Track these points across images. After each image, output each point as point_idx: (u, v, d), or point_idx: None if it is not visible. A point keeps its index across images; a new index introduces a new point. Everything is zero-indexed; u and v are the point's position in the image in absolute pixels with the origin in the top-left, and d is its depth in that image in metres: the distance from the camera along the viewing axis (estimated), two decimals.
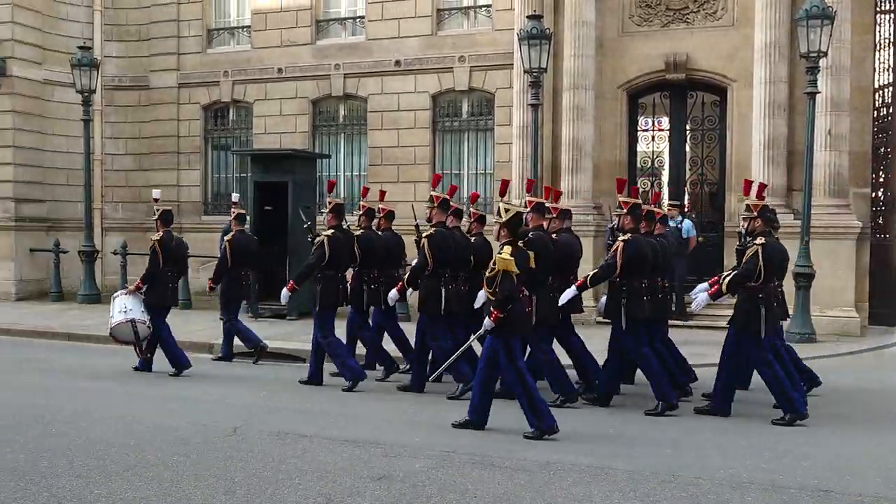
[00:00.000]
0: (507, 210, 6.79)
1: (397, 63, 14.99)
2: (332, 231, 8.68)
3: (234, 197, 11.17)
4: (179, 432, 6.51)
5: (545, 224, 8.13)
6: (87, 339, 11.47)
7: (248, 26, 16.31)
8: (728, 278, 7.51)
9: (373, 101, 15.27)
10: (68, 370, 9.54)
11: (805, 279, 11.42)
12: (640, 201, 8.09)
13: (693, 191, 14.27)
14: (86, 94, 14.86)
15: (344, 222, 8.94)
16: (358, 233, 9.13)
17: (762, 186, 7.98)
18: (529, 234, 7.52)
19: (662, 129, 14.25)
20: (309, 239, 9.12)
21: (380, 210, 9.33)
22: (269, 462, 5.73)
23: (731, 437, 6.73)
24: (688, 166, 14.14)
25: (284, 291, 8.67)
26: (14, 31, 15.86)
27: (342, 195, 15.10)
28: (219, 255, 10.77)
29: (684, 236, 12.39)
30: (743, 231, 8.00)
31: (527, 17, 12.61)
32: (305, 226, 9.84)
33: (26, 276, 15.80)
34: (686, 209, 13.69)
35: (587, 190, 13.35)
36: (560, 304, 7.86)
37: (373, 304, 9.18)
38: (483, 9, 14.90)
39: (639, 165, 14.27)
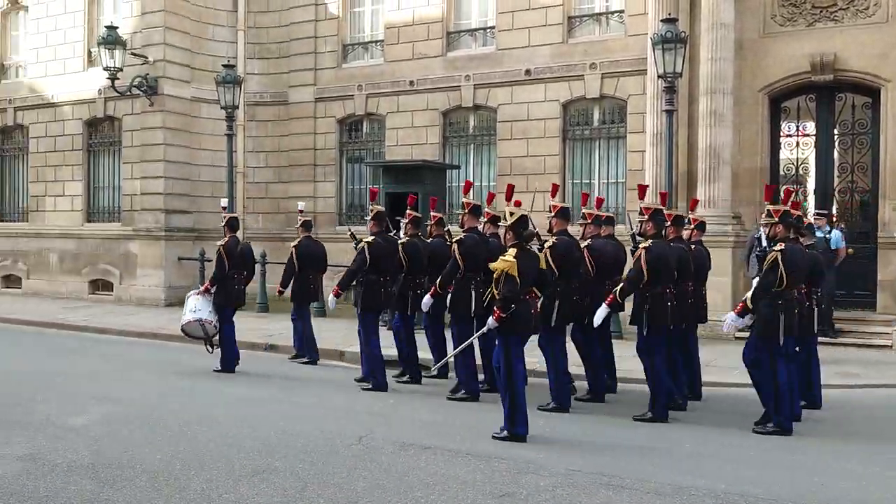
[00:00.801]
0: (511, 214, 7.00)
1: (527, 72, 14.87)
2: (373, 238, 9.05)
3: (301, 205, 11.72)
4: (306, 439, 6.61)
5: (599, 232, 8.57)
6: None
7: (382, 40, 16.63)
8: (750, 293, 7.38)
9: (502, 111, 15.21)
10: (205, 373, 9.95)
11: None
12: (662, 207, 8.13)
13: (842, 199, 13.39)
14: (229, 109, 15.56)
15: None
16: (404, 240, 9.40)
17: (788, 192, 7.88)
18: (553, 239, 7.97)
19: (808, 135, 13.42)
20: (353, 246, 9.50)
21: (431, 217, 9.54)
22: (393, 473, 5.72)
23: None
24: (836, 173, 13.28)
25: (331, 297, 9.15)
26: (166, 52, 16.85)
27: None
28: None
29: (833, 247, 11.60)
30: (764, 236, 7.85)
31: (661, 20, 12.21)
32: (349, 233, 10.39)
33: (174, 283, 16.67)
34: (834, 219, 12.85)
35: (725, 199, 12.76)
36: (594, 325, 8.07)
37: (417, 311, 9.38)
38: (615, 14, 14.56)
39: (782, 173, 13.51)
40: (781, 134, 13.59)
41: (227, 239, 10.08)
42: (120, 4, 17.73)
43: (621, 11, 14.41)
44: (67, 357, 10.97)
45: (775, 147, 13.44)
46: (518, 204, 9.20)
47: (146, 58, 16.77)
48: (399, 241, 9.38)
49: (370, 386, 8.91)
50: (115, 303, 17.00)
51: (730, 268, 12.32)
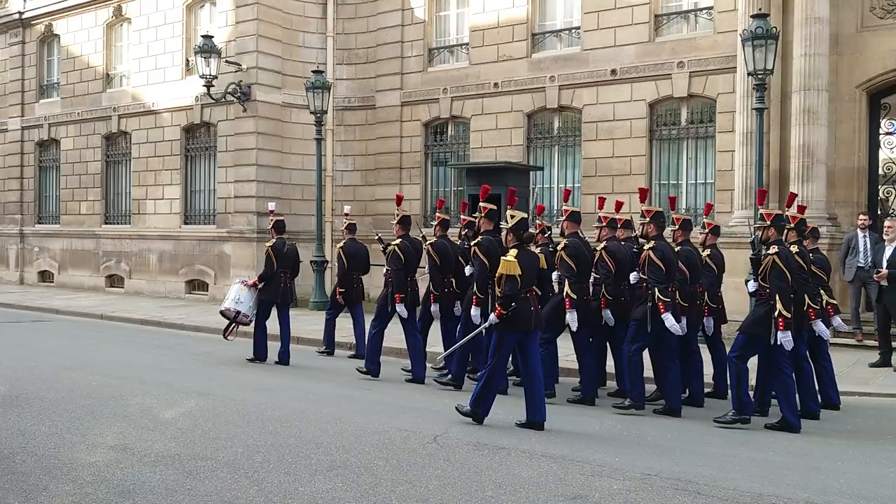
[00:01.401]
0: (512, 217, 7.34)
1: (613, 72, 14.68)
2: (399, 240, 9.66)
3: (346, 209, 12.14)
4: (383, 436, 6.72)
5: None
6: (310, 343, 12.21)
7: (466, 43, 16.72)
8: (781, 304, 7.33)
9: (587, 112, 15.06)
10: (291, 371, 10.23)
11: None
12: (662, 209, 8.44)
13: None
14: (319, 114, 15.93)
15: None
16: (432, 241, 9.79)
17: (792, 196, 8.36)
18: (566, 241, 8.46)
19: None
20: (382, 249, 9.92)
21: (461, 220, 9.87)
22: (466, 472, 5.75)
23: None
24: None
25: (399, 307, 9.43)
26: (258, 60, 17.39)
27: (554, 206, 15.05)
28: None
29: None
30: (756, 240, 7.95)
31: (751, 16, 11.85)
32: (377, 237, 10.84)
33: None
34: None
35: (820, 199, 12.30)
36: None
37: (449, 309, 9.83)
38: (704, 11, 14.22)
39: (881, 172, 12.94)
40: (881, 131, 13.03)
41: (273, 240, 10.74)
42: (216, 15, 18.41)
43: (710, 8, 14.07)
44: (163, 353, 11.45)
45: (874, 145, 12.88)
46: (618, 206, 9.35)
47: (240, 65, 17.36)
48: (427, 242, 9.85)
49: (409, 377, 9.59)
50: (210, 302, 17.62)
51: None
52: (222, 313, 10.79)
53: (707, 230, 9.02)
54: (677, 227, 8.51)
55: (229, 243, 17.79)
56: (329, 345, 11.52)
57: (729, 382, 8.16)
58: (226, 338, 10.94)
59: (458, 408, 7.41)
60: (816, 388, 8.31)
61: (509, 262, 7.07)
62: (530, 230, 7.48)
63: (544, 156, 15.92)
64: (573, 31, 15.50)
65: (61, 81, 21.83)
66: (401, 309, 9.47)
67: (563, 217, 8.78)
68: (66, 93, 21.56)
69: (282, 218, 11.26)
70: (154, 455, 5.94)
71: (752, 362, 7.91)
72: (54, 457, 5.82)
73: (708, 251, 8.89)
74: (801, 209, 8.43)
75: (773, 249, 7.40)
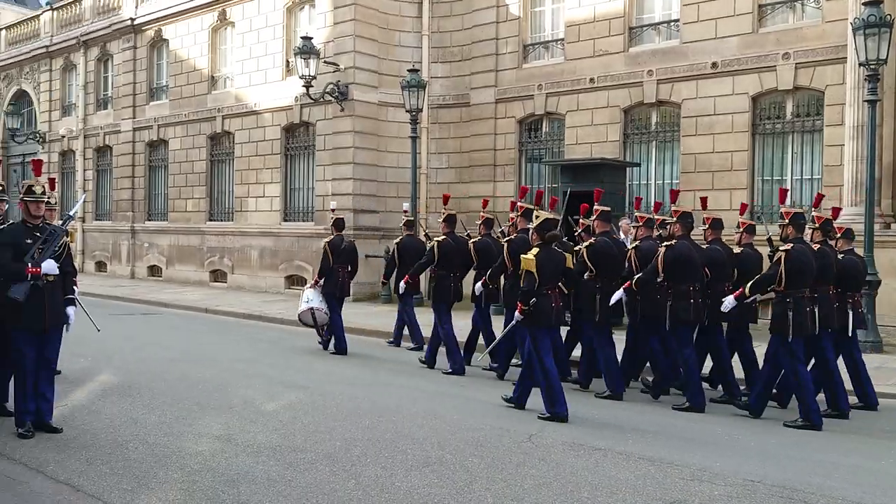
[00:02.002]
0: (537, 217, 7.76)
1: (714, 65, 14.26)
2: (443, 237, 10.23)
3: (405, 206, 12.42)
4: (478, 434, 6.75)
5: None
6: (403, 339, 12.34)
7: (562, 39, 16.56)
8: (751, 282, 7.78)
9: (686, 107, 14.68)
10: (387, 366, 10.38)
11: None
12: (689, 210, 8.56)
13: None
14: (414, 113, 16.09)
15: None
16: (475, 239, 10.24)
17: (819, 197, 8.67)
18: (593, 240, 8.72)
19: None
20: (427, 245, 10.71)
21: (510, 219, 9.88)
22: (561, 473, 5.72)
23: None
24: None
25: (401, 283, 10.44)
26: (355, 60, 17.69)
27: (651, 204, 14.73)
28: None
29: None
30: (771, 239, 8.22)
31: (863, 3, 11.31)
32: (424, 234, 11.37)
33: (362, 280, 17.36)
34: None
35: None
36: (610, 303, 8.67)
37: (491, 303, 10.27)
38: (811, 0, 13.65)
39: None
40: None
41: (332, 237, 11.29)
42: (315, 16, 18.82)
43: None
44: (264, 346, 11.80)
45: None
46: (704, 202, 9.17)
47: (338, 65, 17.69)
48: (471, 240, 10.28)
49: (450, 370, 9.85)
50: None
51: None
52: (300, 319, 11.42)
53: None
54: (707, 226, 8.68)
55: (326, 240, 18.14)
56: (396, 338, 12.17)
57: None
58: (320, 335, 11.40)
59: (539, 416, 7.46)
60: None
61: (528, 260, 7.39)
62: (555, 231, 7.76)
63: (641, 152, 15.62)
64: (672, 23, 15.13)
65: (169, 84, 22.75)
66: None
67: (632, 218, 9.28)
68: (174, 95, 22.46)
69: (341, 216, 11.79)
70: (256, 446, 6.14)
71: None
72: (164, 445, 6.09)
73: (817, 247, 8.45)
74: (836, 211, 8.81)
75: (786, 247, 7.51)
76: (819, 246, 7.99)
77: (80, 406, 7.34)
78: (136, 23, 23.21)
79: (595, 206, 9.08)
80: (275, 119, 19.57)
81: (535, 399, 7.67)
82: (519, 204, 9.37)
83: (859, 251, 8.75)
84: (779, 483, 5.57)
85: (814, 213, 8.39)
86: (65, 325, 6.62)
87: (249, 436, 6.44)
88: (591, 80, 15.81)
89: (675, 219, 8.36)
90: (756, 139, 14.15)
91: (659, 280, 8.26)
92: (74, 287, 7.09)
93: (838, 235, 8.56)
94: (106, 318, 12.86)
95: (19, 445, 6.02)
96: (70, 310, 6.65)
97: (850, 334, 8.39)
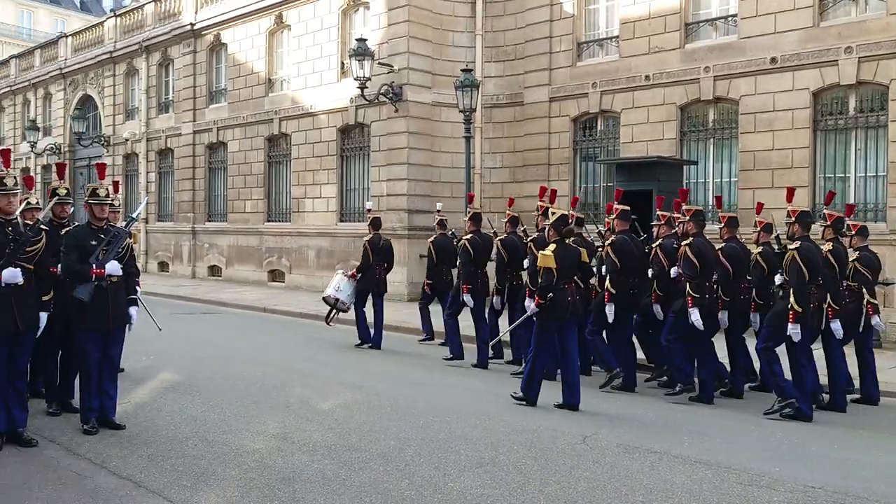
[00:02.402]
0: (552, 213, 8.06)
1: (773, 60, 13.94)
2: (470, 235, 10.58)
3: (438, 205, 12.64)
4: (531, 435, 6.73)
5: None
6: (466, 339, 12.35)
7: (616, 36, 16.38)
8: (792, 296, 7.55)
9: (745, 103, 14.39)
10: (439, 366, 10.42)
11: None
12: (701, 208, 8.88)
13: None
14: (467, 112, 16.10)
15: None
16: (502, 237, 10.54)
17: (831, 195, 8.95)
18: (614, 238, 8.98)
19: None
20: (455, 243, 11.06)
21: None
22: (615, 475, 5.68)
23: None
24: None
25: (466, 297, 10.38)
26: (409, 61, 17.79)
27: (710, 202, 14.51)
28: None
29: None
30: (784, 236, 8.35)
31: None
32: (451, 233, 11.70)
33: (416, 279, 17.49)
34: None
35: None
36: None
37: (516, 300, 10.35)
38: None
39: None
40: None
41: (370, 235, 11.79)
42: (369, 18, 18.98)
43: None
44: (320, 346, 11.94)
45: None
46: (759, 207, 9.07)
47: (392, 66, 17.81)
48: (498, 238, 10.60)
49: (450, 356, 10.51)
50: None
51: None
52: (324, 300, 11.99)
53: (829, 223, 8.48)
54: (723, 224, 8.83)
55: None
56: (428, 332, 12.47)
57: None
58: (328, 323, 12.11)
59: (512, 395, 8.06)
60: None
61: (546, 255, 7.71)
62: (569, 226, 8.09)
63: (698, 149, 15.36)
64: (729, 18, 14.84)
65: (228, 87, 23.19)
66: (468, 299, 10.37)
67: (615, 216, 9.29)
68: (233, 98, 22.89)
69: (378, 216, 12.34)
70: (312, 444, 6.23)
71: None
72: (222, 443, 6.23)
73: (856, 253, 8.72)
74: (850, 208, 9.00)
75: (794, 245, 7.64)
76: (831, 244, 8.18)
77: (142, 403, 7.54)
78: (195, 28, 23.72)
79: (615, 206, 9.40)
80: (330, 120, 19.80)
81: (554, 393, 7.61)
82: (539, 203, 9.67)
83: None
84: (840, 490, 5.44)
85: (825, 211, 8.48)
86: (127, 325, 6.80)
87: (305, 434, 6.54)
88: (647, 77, 15.60)
89: (687, 217, 8.60)
90: (818, 136, 13.79)
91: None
92: (137, 287, 7.29)
93: (852, 233, 8.68)
94: (168, 318, 13.19)
95: (84, 441, 6.21)
96: (132, 310, 6.83)
97: (860, 330, 8.52)
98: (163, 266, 25.72)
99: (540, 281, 7.76)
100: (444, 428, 6.89)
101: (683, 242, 8.50)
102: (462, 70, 16.24)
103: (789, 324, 7.57)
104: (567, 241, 7.93)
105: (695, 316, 8.22)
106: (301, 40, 20.61)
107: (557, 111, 17.21)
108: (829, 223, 8.26)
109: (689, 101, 15.17)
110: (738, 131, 14.55)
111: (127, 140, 27.00)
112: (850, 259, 8.49)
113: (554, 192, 8.91)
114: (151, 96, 26.06)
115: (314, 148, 20.28)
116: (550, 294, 7.69)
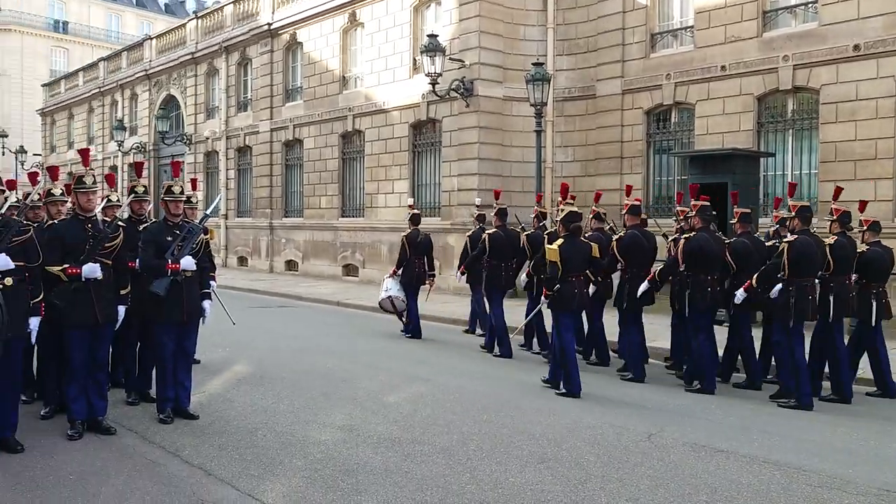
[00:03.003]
0: (562, 210, 8.44)
1: (856, 48, 13.41)
2: (494, 230, 10.97)
3: (477, 200, 12.91)
4: (595, 431, 6.69)
5: None
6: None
7: (691, 26, 16.03)
8: (756, 274, 8.24)
9: (826, 92, 13.89)
10: (503, 361, 10.40)
11: None
12: (708, 203, 8.81)
13: None
14: (538, 106, 15.99)
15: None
16: (528, 232, 10.89)
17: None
18: (623, 233, 9.52)
19: None
20: (517, 235, 11.25)
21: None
22: (679, 474, 5.60)
23: None
24: None
25: (458, 273, 11.50)
26: (480, 55, 17.79)
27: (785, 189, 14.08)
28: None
29: None
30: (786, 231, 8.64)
31: None
32: (479, 226, 11.88)
33: None
34: None
35: None
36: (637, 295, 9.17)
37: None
38: None
39: None
40: None
41: (409, 231, 12.15)
42: (441, 14, 19.06)
43: None
44: (390, 339, 12.08)
45: None
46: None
47: (463, 62, 17.85)
48: (524, 233, 10.91)
49: (499, 353, 10.63)
50: (435, 291, 18.26)
51: None
52: (380, 306, 12.54)
53: (835, 217, 8.71)
54: (736, 220, 9.27)
55: (453, 235, 18.36)
56: (472, 325, 12.85)
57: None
58: (401, 320, 12.42)
59: (556, 393, 8.24)
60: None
61: (552, 250, 8.12)
62: (577, 222, 8.37)
63: (776, 141, 14.91)
64: (809, 5, 14.34)
65: (304, 86, 23.63)
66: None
67: (624, 211, 9.74)
68: (308, 96, 23.31)
69: (418, 212, 12.88)
70: (377, 437, 6.34)
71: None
72: (290, 433, 6.39)
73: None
74: (863, 204, 9.12)
75: (790, 238, 7.99)
76: (836, 238, 8.38)
77: (215, 394, 7.79)
78: (272, 27, 24.23)
79: (625, 202, 9.97)
80: (402, 117, 19.97)
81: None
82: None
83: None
84: None
85: (833, 206, 8.69)
86: (201, 318, 7.03)
87: (371, 427, 6.65)
88: (723, 67, 15.21)
89: (693, 212, 8.84)
90: None
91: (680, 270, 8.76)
92: (212, 282, 7.51)
93: (864, 228, 8.81)
94: (245, 311, 13.57)
95: (159, 430, 6.47)
96: (206, 303, 7.05)
97: (872, 324, 8.61)
98: (242, 261, 26.41)
99: (547, 273, 8.26)
100: (507, 423, 6.91)
101: (683, 237, 8.87)
102: (533, 64, 16.14)
103: (739, 290, 8.42)
104: (576, 237, 8.29)
105: (641, 287, 9.03)
106: (374, 37, 20.84)
107: (630, 103, 16.95)
108: (835, 217, 8.53)
109: (766, 92, 14.74)
110: (819, 122, 14.06)
111: (207, 138, 27.79)
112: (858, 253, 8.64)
113: (565, 186, 9.14)
114: (231, 95, 26.77)
115: (386, 144, 20.50)
116: (557, 286, 8.10)
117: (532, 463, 5.77)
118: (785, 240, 8.10)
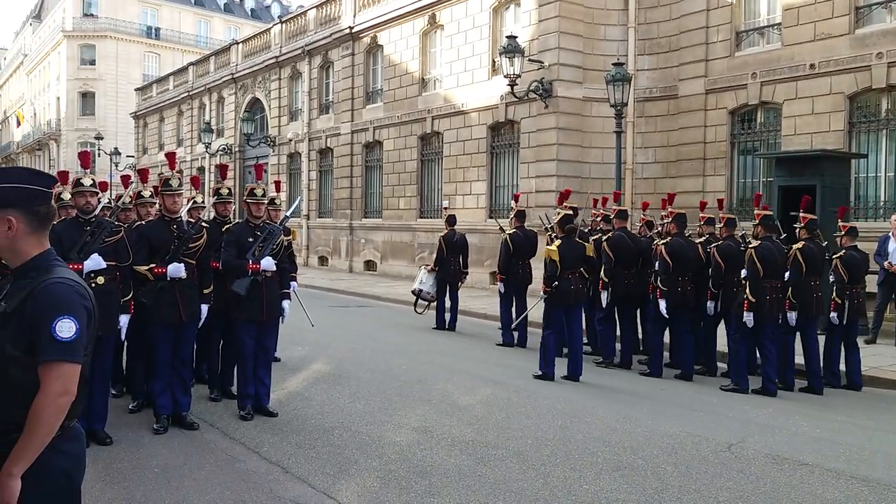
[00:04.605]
0: (558, 213, 9.35)
1: None
2: (513, 231, 11.76)
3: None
4: (673, 440, 6.56)
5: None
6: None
7: (779, 23, 15.54)
8: (747, 285, 8.60)
9: None
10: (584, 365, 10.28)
11: None
12: (683, 212, 9.77)
13: None
14: (618, 107, 15.75)
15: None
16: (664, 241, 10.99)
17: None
18: (610, 234, 10.22)
19: None
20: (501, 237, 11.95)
21: (613, 211, 10.59)
22: (760, 487, 5.45)
23: None
24: None
25: (500, 284, 11.88)
26: (560, 56, 17.66)
27: (882, 198, 13.55)
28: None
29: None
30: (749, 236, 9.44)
31: None
32: (499, 227, 12.74)
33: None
34: None
35: None
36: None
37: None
38: None
39: None
40: None
41: (446, 231, 13.00)
42: (520, 15, 18.99)
43: None
44: (465, 341, 12.11)
45: None
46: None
47: (542, 63, 17.75)
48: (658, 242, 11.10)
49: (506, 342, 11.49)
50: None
51: None
52: (412, 292, 13.72)
53: (802, 224, 9.26)
54: (723, 224, 9.74)
55: None
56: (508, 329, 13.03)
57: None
58: (416, 311, 13.57)
59: (534, 375, 9.02)
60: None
61: (551, 250, 8.96)
62: (574, 223, 9.24)
63: (869, 141, 14.31)
64: None
65: (384, 88, 23.89)
66: (500, 286, 11.81)
67: (613, 215, 10.46)
68: (388, 98, 23.56)
69: (453, 213, 13.58)
70: (451, 439, 6.36)
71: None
72: (365, 434, 6.47)
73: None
74: (842, 210, 9.88)
75: (754, 244, 8.65)
76: (804, 243, 8.96)
77: (294, 392, 7.95)
78: (354, 31, 24.58)
79: (613, 206, 10.79)
80: (481, 118, 19.98)
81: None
82: (565, 203, 9.85)
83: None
84: None
85: (801, 214, 9.19)
86: (280, 317, 7.19)
87: (445, 429, 6.67)
88: (812, 65, 14.70)
89: (670, 219, 9.62)
90: None
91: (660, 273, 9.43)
92: (293, 282, 7.65)
93: (842, 233, 9.45)
94: (325, 310, 13.82)
95: (240, 426, 6.64)
96: (285, 303, 7.20)
97: (843, 322, 9.21)
98: (322, 260, 26.87)
99: (545, 272, 8.96)
100: (582, 429, 6.84)
101: (661, 242, 9.50)
102: (613, 64, 15.92)
103: (745, 311, 8.59)
104: (572, 237, 9.12)
105: (662, 306, 9.38)
106: (453, 39, 20.91)
107: (714, 103, 16.55)
108: (802, 225, 9.12)
109: (859, 90, 14.17)
110: None
111: (290, 140, 28.39)
112: (835, 257, 9.39)
113: (567, 192, 9.95)
114: (313, 98, 27.27)
115: (465, 146, 20.55)
116: (556, 283, 8.86)
117: (607, 471, 5.69)
118: (751, 246, 8.74)
